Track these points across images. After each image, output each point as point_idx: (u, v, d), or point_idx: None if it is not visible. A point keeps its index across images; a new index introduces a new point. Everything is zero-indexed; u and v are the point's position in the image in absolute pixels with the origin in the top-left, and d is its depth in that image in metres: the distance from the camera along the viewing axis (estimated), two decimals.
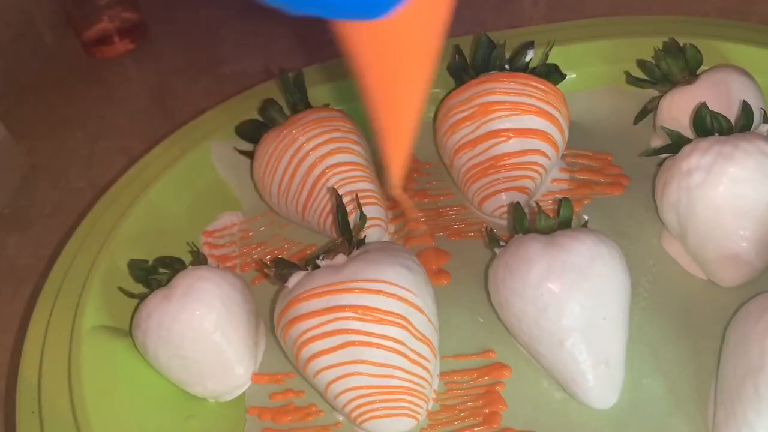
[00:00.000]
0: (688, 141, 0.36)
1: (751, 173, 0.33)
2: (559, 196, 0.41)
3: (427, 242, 0.41)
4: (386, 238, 0.41)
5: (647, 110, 0.43)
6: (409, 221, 0.41)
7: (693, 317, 0.35)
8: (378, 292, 0.31)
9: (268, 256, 0.42)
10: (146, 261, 0.37)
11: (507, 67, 0.41)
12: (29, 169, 0.56)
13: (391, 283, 0.32)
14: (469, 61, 0.43)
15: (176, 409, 0.35)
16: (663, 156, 0.38)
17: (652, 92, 0.43)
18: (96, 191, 0.53)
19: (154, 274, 0.36)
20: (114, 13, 0.65)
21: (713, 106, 0.37)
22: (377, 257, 0.33)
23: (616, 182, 0.42)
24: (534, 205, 0.35)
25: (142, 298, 0.36)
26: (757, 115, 0.36)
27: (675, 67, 0.41)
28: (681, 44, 0.41)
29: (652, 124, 0.43)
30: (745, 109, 0.36)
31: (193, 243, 0.38)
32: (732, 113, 0.37)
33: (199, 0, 0.73)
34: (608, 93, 0.46)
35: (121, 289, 0.37)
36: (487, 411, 0.33)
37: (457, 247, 0.40)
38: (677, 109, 0.40)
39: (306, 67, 0.46)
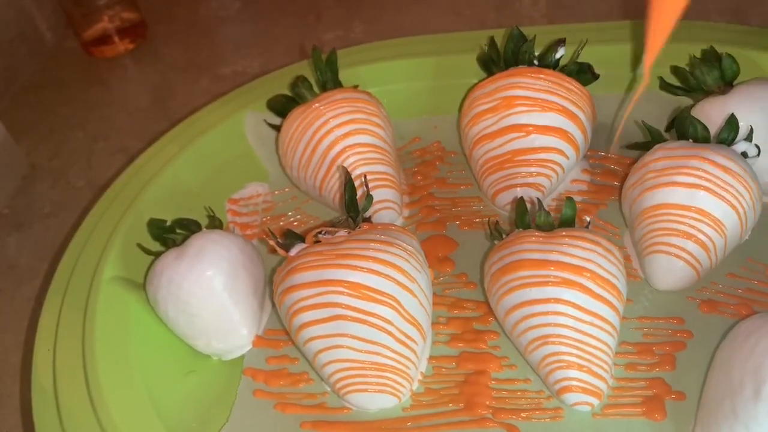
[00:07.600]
0: (663, 141, 0.37)
1: (699, 183, 0.34)
2: (579, 197, 0.41)
3: (438, 229, 0.41)
4: (399, 221, 0.42)
5: None
6: None
7: (690, 328, 0.35)
8: (370, 270, 0.32)
9: (276, 225, 0.43)
10: (165, 221, 0.39)
11: (536, 62, 0.41)
12: (29, 169, 0.56)
13: (384, 263, 0.32)
14: (501, 54, 0.43)
15: (179, 363, 0.37)
16: None
17: (687, 100, 0.42)
18: (96, 191, 0.53)
19: (171, 234, 0.38)
20: (114, 13, 0.65)
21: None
22: (376, 237, 0.34)
23: None
24: (551, 203, 0.36)
25: (157, 255, 0.38)
26: (742, 132, 0.35)
27: (709, 76, 0.40)
28: (719, 53, 0.40)
29: None
30: (730, 122, 0.36)
31: (210, 208, 0.40)
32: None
33: (198, 0, 0.72)
34: (640, 97, 0.45)
35: (139, 245, 0.39)
36: (469, 398, 0.34)
37: (466, 237, 0.41)
38: (707, 118, 0.39)
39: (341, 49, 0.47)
